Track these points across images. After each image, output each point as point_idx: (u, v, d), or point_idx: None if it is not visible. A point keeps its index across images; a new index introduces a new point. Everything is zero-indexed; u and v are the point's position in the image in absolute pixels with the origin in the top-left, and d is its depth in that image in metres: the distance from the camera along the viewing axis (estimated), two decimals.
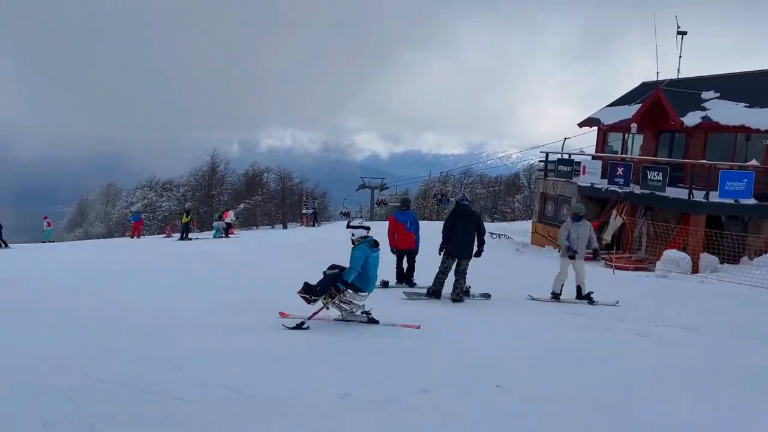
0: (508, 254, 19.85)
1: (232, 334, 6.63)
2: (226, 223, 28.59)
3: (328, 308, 7.24)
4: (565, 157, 22.84)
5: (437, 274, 9.83)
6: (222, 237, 27.76)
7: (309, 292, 7.25)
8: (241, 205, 44.55)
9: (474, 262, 9.67)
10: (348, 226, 7.64)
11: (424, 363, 5.64)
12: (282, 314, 7.54)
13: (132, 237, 31.18)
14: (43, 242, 30.69)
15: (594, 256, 10.44)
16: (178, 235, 30.53)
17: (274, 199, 46.65)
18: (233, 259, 16.75)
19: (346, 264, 7.33)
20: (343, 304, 7.32)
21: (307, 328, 6.91)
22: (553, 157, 23.62)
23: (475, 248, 9.64)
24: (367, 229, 7.53)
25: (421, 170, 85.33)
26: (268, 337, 6.53)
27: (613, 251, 17.39)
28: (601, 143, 23.33)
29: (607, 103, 24.00)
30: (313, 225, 34.66)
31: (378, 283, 11.26)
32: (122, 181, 67.24)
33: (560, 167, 22.66)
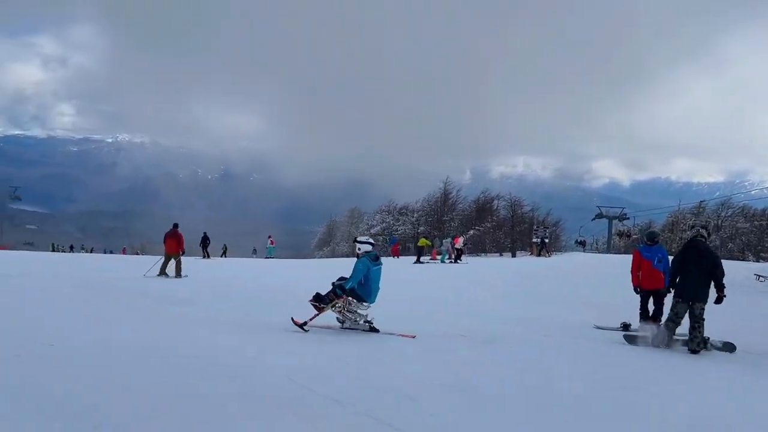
0: None
1: (438, 364, 6.42)
2: (456, 249, 29.05)
3: (341, 314, 8.10)
4: None
5: (666, 320, 8.58)
6: (449, 261, 28.27)
7: (318, 300, 8.11)
8: (471, 232, 45.01)
9: (728, 307, 8.17)
10: (354, 241, 8.55)
11: (648, 422, 4.70)
12: (295, 322, 7.93)
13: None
14: (267, 257, 35.48)
15: None
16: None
17: (504, 226, 46.16)
18: (458, 286, 16.73)
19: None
20: (348, 313, 8.12)
21: (307, 330, 7.69)
22: None
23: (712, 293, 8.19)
24: (372, 245, 8.35)
25: (668, 200, 77.25)
26: (476, 371, 6.14)
27: None
28: None
29: None
30: (539, 255, 33.33)
31: (619, 324, 10.22)
32: (365, 205, 73.42)
33: None
